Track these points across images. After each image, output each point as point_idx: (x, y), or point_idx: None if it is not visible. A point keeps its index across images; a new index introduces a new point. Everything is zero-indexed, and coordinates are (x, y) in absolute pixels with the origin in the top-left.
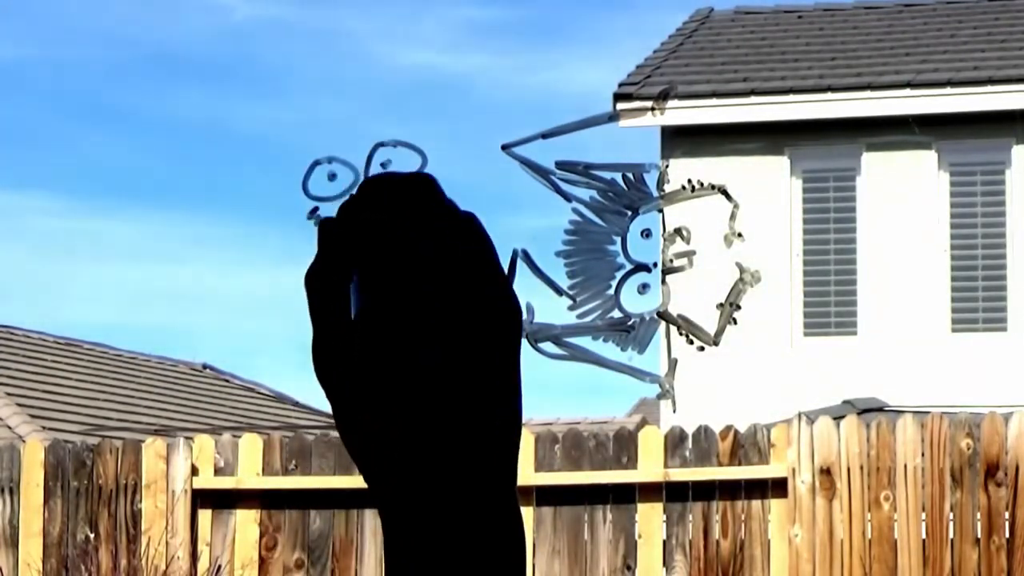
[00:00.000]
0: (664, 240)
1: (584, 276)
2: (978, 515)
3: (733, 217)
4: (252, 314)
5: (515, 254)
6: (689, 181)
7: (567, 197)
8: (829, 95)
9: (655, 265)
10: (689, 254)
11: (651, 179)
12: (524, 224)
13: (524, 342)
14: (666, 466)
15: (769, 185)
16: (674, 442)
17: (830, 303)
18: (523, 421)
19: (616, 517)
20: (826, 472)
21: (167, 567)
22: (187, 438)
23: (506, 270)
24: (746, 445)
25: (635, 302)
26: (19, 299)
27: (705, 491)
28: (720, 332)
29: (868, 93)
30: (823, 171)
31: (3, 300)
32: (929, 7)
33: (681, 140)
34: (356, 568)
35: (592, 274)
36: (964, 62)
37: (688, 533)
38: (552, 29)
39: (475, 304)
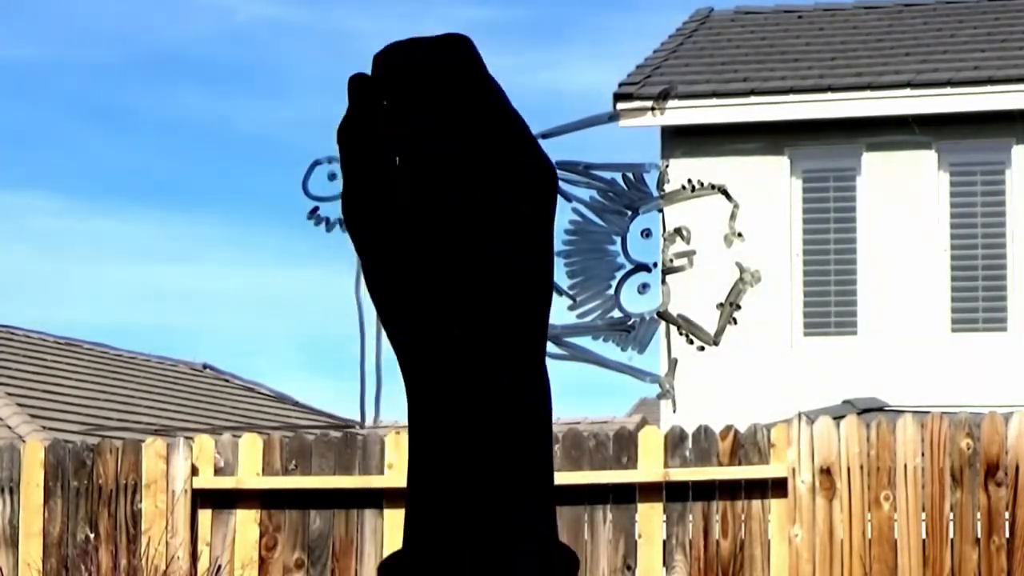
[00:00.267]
0: (664, 240)
1: (584, 276)
2: (978, 515)
3: (733, 217)
4: (252, 314)
5: None
6: (689, 181)
7: (567, 197)
8: (829, 95)
9: (655, 265)
10: (689, 254)
11: (651, 179)
12: None
13: None
14: (666, 466)
15: (769, 185)
16: (674, 442)
17: (830, 303)
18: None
19: (616, 517)
20: (826, 472)
21: (167, 567)
22: (187, 438)
23: None
24: (746, 445)
25: (635, 302)
26: (19, 299)
27: (705, 491)
28: (720, 332)
29: (868, 93)
30: (823, 171)
31: (3, 300)
32: (929, 7)
33: (681, 140)
34: (356, 568)
35: (592, 274)
36: (964, 62)
37: (688, 533)
38: (552, 29)
39: (517, 165)
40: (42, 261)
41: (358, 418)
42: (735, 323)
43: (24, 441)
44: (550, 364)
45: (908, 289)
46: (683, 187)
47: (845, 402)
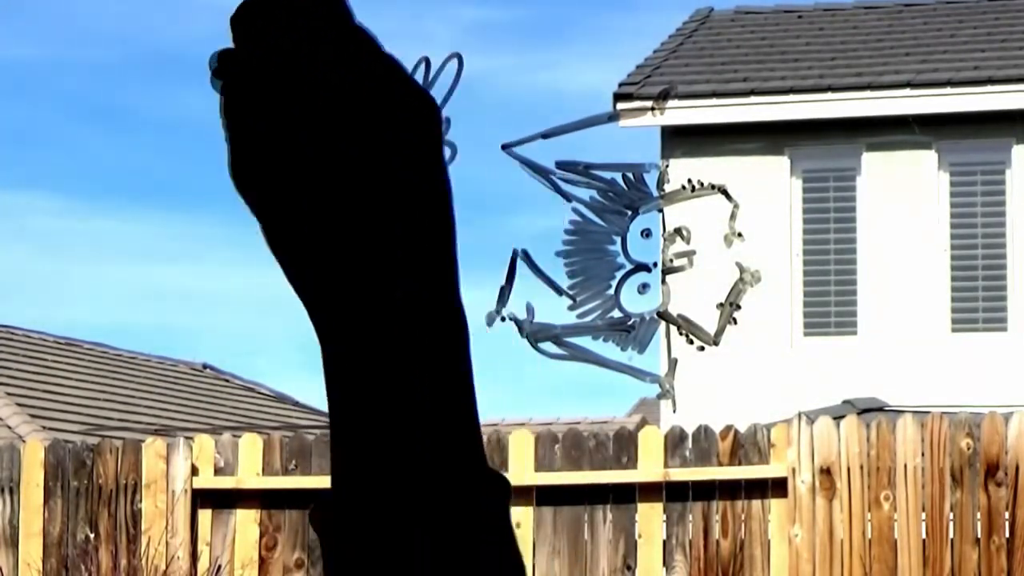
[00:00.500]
0: (664, 240)
1: (584, 276)
2: (978, 515)
3: (733, 217)
4: (252, 314)
5: (515, 254)
6: (689, 181)
7: (567, 197)
8: (829, 95)
9: (655, 265)
10: (689, 254)
11: (651, 179)
12: (525, 224)
13: (525, 342)
14: (666, 466)
15: (769, 185)
16: (674, 442)
17: (830, 303)
18: (508, 431)
19: (616, 517)
20: (826, 472)
21: (167, 567)
22: (187, 438)
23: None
24: (746, 445)
25: (635, 302)
26: (19, 299)
27: (705, 491)
28: (720, 332)
29: (868, 93)
30: (823, 171)
31: (3, 300)
32: (929, 7)
33: (681, 140)
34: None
35: (592, 274)
36: (964, 62)
37: (688, 533)
38: (553, 29)
39: (395, 101)
40: (42, 261)
41: None
42: (735, 323)
43: (24, 441)
44: (550, 364)
45: (908, 289)
46: (683, 187)
47: (845, 402)
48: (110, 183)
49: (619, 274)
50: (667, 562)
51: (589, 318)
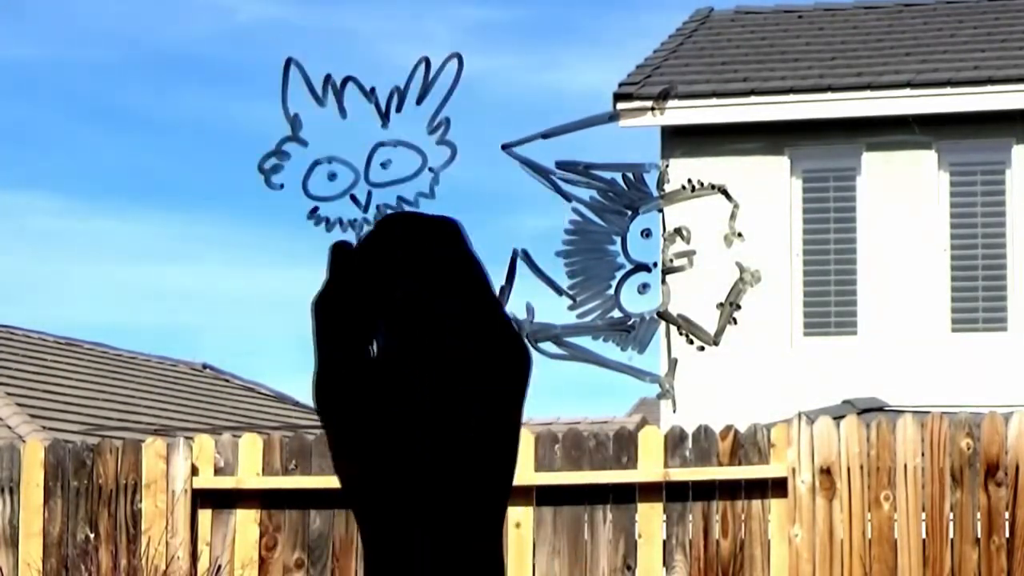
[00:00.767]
0: (664, 240)
1: (584, 276)
2: (978, 515)
3: (733, 217)
4: (252, 314)
5: (515, 254)
6: (689, 181)
7: (567, 197)
8: (829, 95)
9: (655, 265)
10: (689, 254)
11: (651, 179)
12: (525, 224)
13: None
14: (666, 466)
15: (769, 185)
16: (674, 442)
17: (830, 303)
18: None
19: (616, 517)
20: (826, 472)
21: (167, 567)
22: (187, 438)
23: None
24: (746, 445)
25: (635, 302)
26: (19, 299)
27: (705, 491)
28: (720, 332)
29: (868, 93)
30: (823, 171)
31: (3, 300)
32: (929, 7)
33: (681, 140)
34: (356, 568)
35: (592, 274)
36: (964, 62)
37: (688, 533)
38: (555, 29)
39: (492, 368)
40: (42, 261)
41: None
42: (735, 323)
43: (24, 441)
44: (551, 364)
45: (908, 289)
46: (683, 187)
47: (845, 402)
48: (110, 183)
49: (619, 274)
50: (667, 562)
51: (589, 318)
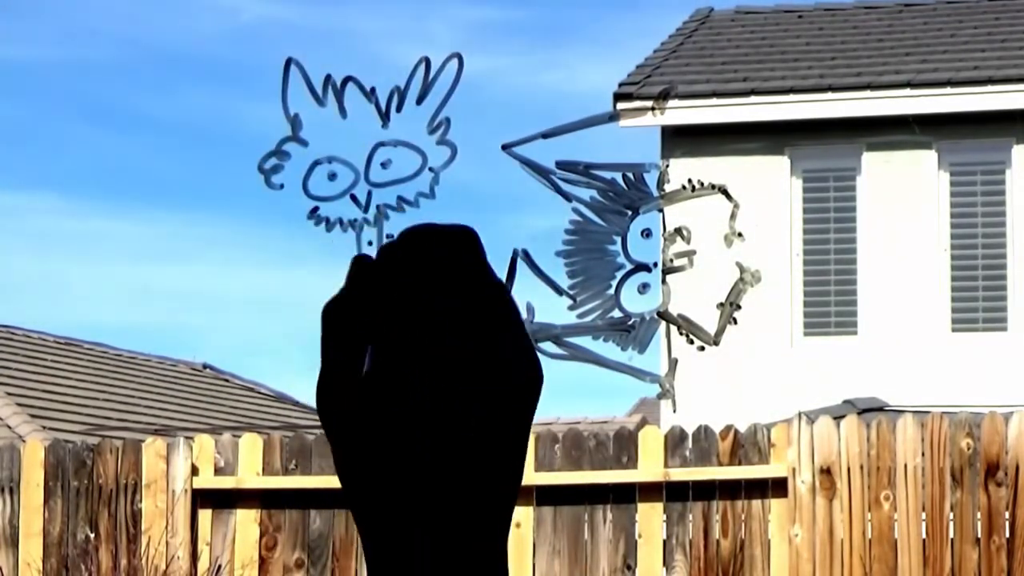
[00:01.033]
0: (664, 240)
1: (584, 276)
2: (978, 515)
3: (733, 217)
4: (252, 314)
5: (515, 254)
6: (689, 181)
7: (567, 197)
8: (829, 95)
9: (655, 265)
10: (689, 254)
11: (651, 179)
12: (527, 224)
13: None
14: (666, 466)
15: (769, 185)
16: (674, 442)
17: (830, 303)
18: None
19: (616, 517)
20: (826, 472)
21: (167, 567)
22: (187, 438)
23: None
24: (746, 445)
25: (635, 302)
26: (19, 299)
27: (705, 491)
28: (720, 332)
29: (868, 93)
30: (823, 171)
31: (3, 300)
32: (929, 7)
33: (681, 140)
34: (356, 568)
35: (592, 274)
36: (964, 62)
37: (688, 533)
38: (557, 29)
39: (494, 369)
40: (42, 261)
41: None
42: (735, 323)
43: (24, 441)
44: (551, 364)
45: (908, 289)
46: (683, 187)
47: (845, 402)
48: (111, 183)
49: (619, 274)
50: (667, 562)
51: (589, 318)
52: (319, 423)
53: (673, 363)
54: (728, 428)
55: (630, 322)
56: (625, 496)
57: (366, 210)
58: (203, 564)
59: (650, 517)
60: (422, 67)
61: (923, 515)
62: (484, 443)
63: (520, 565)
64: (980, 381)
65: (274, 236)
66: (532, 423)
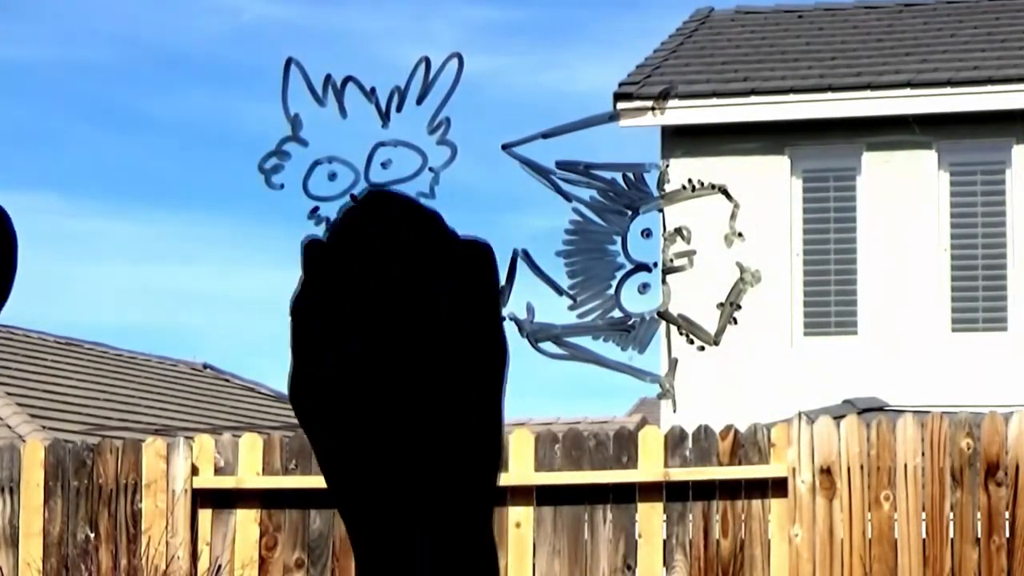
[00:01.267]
0: (664, 240)
1: (584, 276)
2: (978, 515)
3: (733, 217)
4: (253, 314)
5: (515, 254)
6: (689, 181)
7: (567, 197)
8: (829, 95)
9: (655, 265)
10: (689, 254)
11: (651, 179)
12: (528, 224)
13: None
14: (666, 466)
15: (769, 185)
16: (674, 442)
17: (830, 303)
18: (509, 431)
19: (616, 517)
20: (826, 472)
21: (167, 567)
22: (187, 438)
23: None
24: (746, 445)
25: (635, 302)
26: (19, 299)
27: (705, 491)
28: (720, 332)
29: (868, 93)
30: (823, 171)
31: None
32: (929, 7)
33: (681, 140)
34: (356, 568)
35: (592, 274)
36: (964, 62)
37: (688, 533)
38: (558, 29)
39: (466, 340)
40: (43, 261)
41: None
42: (735, 323)
43: (24, 441)
44: (551, 364)
45: (908, 289)
46: (683, 187)
47: (845, 402)
48: (112, 183)
49: (619, 274)
50: (667, 562)
51: (589, 318)
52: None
53: (673, 363)
54: (728, 428)
55: (630, 322)
56: (625, 496)
57: None
58: (203, 564)
59: (650, 517)
60: (422, 67)
61: (923, 515)
62: (483, 424)
63: (520, 565)
64: (980, 381)
65: (274, 236)
66: (503, 396)
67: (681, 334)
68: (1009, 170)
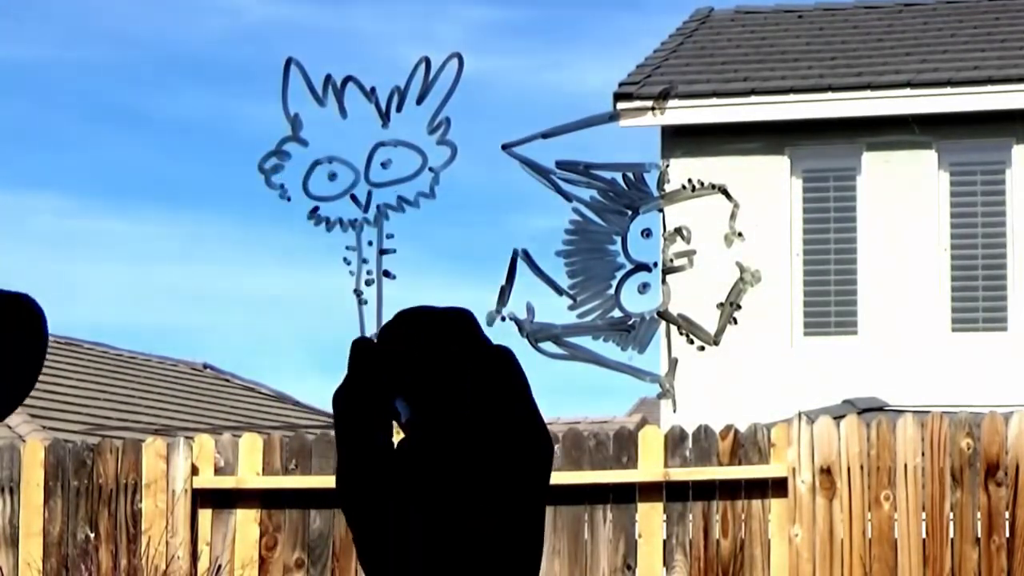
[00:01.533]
0: (664, 240)
1: (584, 276)
2: (978, 515)
3: (733, 217)
4: (252, 314)
5: (515, 254)
6: (689, 181)
7: (567, 197)
8: (829, 95)
9: (655, 265)
10: (689, 254)
11: (651, 179)
12: (526, 224)
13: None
14: (666, 466)
15: (769, 185)
16: (674, 442)
17: (830, 303)
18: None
19: (616, 517)
20: (826, 472)
21: (167, 567)
22: (187, 438)
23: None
24: (746, 445)
25: (635, 302)
26: None
27: (705, 491)
28: (720, 332)
29: (868, 93)
30: (823, 171)
31: None
32: (929, 7)
33: (681, 140)
34: (356, 568)
35: (592, 274)
36: (964, 62)
37: (688, 533)
38: (560, 30)
39: (508, 440)
40: (43, 261)
41: None
42: (735, 323)
43: (24, 441)
44: (551, 364)
45: (908, 289)
46: (683, 187)
47: (845, 402)
48: (111, 183)
49: (619, 274)
50: (667, 562)
51: (589, 318)
52: (319, 423)
53: (673, 363)
54: (728, 428)
55: (630, 322)
56: (625, 496)
57: (366, 210)
58: (203, 564)
59: (650, 517)
60: (422, 67)
61: (923, 515)
62: (506, 517)
63: None
64: (980, 381)
65: (275, 236)
66: (547, 492)
67: (681, 334)
68: (1009, 170)
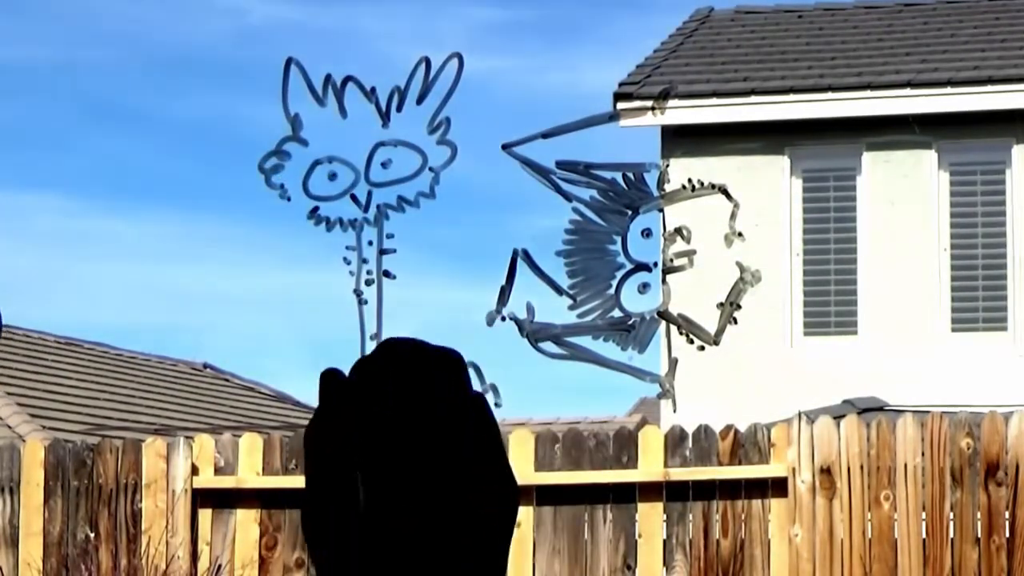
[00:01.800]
0: (664, 239)
1: (585, 275)
2: (978, 515)
3: (733, 217)
4: (252, 314)
5: (515, 254)
6: (689, 181)
7: (567, 197)
8: (829, 95)
9: (655, 264)
10: (689, 253)
11: (651, 179)
12: (528, 224)
13: (525, 342)
14: (666, 465)
15: (769, 185)
16: (674, 441)
17: (830, 303)
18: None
19: (616, 517)
20: (826, 472)
21: (167, 567)
22: (187, 438)
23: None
24: (746, 445)
25: (635, 301)
26: (19, 299)
27: (705, 491)
28: (720, 332)
29: (868, 93)
30: (823, 171)
31: (8, 300)
32: (929, 7)
33: (681, 140)
34: None
35: (592, 274)
36: (964, 62)
37: (688, 533)
38: (560, 30)
39: (477, 492)
40: (44, 261)
41: None
42: (735, 323)
43: (24, 441)
44: (551, 364)
45: (908, 289)
46: (683, 187)
47: (845, 402)
48: (111, 183)
49: (619, 274)
50: (667, 562)
51: (589, 318)
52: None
53: (673, 363)
54: (728, 428)
55: (630, 322)
56: (625, 496)
57: (366, 210)
58: (203, 564)
59: (650, 517)
60: (422, 67)
61: (923, 515)
62: (475, 567)
63: (520, 565)
64: (980, 381)
65: (274, 236)
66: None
67: (681, 334)
68: (1009, 170)
